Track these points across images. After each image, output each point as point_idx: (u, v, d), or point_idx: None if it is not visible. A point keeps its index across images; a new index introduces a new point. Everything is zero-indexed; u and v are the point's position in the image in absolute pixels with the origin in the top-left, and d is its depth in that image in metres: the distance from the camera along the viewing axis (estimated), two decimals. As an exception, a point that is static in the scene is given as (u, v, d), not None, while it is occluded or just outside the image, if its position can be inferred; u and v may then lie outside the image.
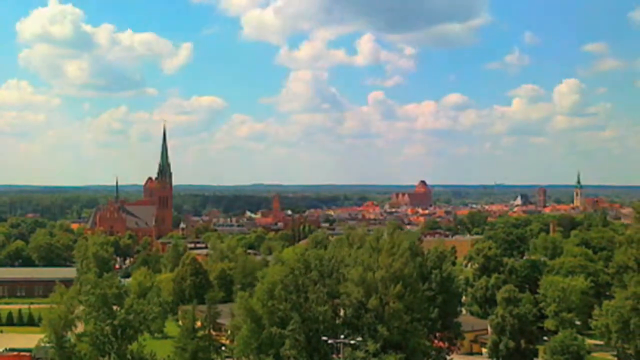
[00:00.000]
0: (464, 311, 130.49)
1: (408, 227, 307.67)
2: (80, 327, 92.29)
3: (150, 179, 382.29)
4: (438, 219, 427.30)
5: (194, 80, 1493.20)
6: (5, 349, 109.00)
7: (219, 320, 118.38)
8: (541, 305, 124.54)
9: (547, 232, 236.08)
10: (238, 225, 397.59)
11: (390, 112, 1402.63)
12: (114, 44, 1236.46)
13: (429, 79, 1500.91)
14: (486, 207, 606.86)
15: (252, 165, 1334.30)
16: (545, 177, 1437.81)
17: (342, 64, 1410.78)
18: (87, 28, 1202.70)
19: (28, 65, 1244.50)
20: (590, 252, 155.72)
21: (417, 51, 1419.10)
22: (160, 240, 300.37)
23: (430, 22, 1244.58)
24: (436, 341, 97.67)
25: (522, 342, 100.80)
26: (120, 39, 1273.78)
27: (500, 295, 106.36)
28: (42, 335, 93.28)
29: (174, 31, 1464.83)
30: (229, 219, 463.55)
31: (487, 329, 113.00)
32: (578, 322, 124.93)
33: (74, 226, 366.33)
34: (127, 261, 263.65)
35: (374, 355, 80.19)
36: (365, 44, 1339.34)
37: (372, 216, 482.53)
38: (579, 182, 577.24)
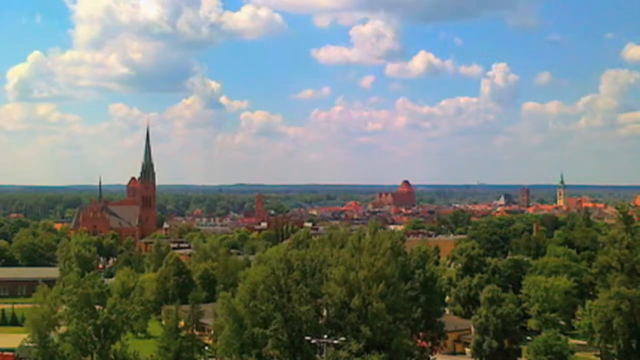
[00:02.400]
0: (447, 311, 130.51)
1: (391, 226, 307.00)
2: (63, 327, 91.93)
3: (133, 178, 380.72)
4: (421, 219, 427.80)
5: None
6: None
7: (202, 320, 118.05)
8: (524, 305, 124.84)
9: (531, 232, 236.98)
10: (221, 225, 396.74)
11: (414, 111, 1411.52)
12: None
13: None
14: (469, 206, 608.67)
15: (251, 165, 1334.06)
16: (529, 177, 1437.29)
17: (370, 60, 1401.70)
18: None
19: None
20: (573, 252, 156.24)
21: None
22: (143, 240, 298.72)
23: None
24: (419, 341, 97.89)
25: (506, 342, 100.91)
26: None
27: (483, 295, 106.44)
28: (25, 335, 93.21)
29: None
30: (212, 219, 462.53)
31: (470, 329, 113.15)
32: (561, 322, 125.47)
33: (57, 226, 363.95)
34: (111, 261, 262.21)
35: (357, 355, 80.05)
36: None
37: (355, 216, 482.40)
38: (562, 182, 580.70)
